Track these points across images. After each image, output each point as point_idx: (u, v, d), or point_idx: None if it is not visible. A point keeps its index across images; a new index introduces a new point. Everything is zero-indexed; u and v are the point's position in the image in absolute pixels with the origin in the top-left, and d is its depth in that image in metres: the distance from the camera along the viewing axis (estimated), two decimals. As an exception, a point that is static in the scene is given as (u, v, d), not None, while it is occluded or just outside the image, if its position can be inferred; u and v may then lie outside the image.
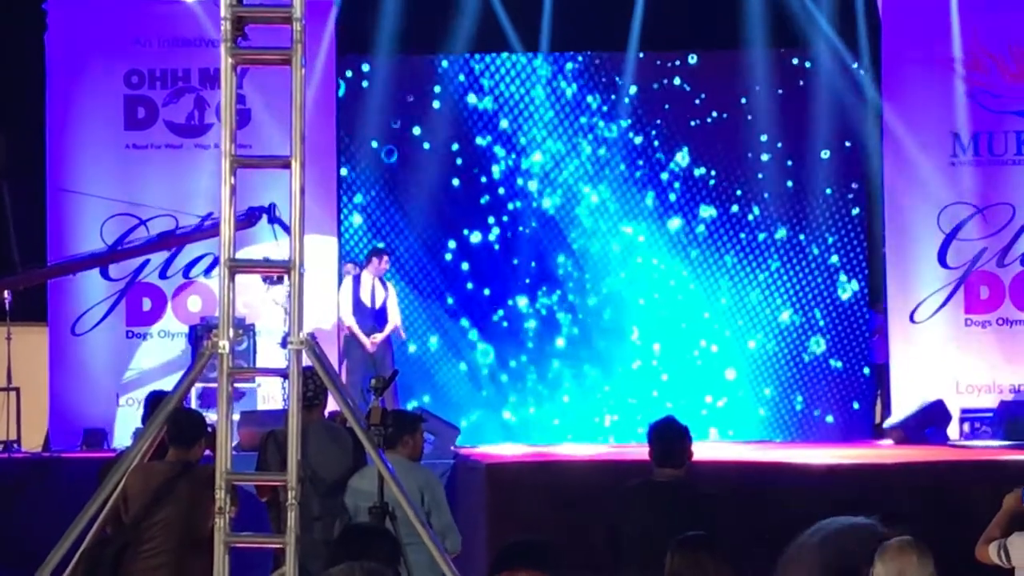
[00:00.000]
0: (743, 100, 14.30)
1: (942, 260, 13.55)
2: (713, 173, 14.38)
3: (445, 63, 14.41)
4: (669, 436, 6.96)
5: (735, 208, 14.35)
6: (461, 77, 14.42)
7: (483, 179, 14.45)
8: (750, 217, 14.34)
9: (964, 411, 12.97)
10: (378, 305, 12.90)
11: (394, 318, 13.08)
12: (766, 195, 14.33)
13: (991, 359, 13.38)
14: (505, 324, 14.46)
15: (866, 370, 14.26)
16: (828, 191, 14.27)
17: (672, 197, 14.41)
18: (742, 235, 14.36)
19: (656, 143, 14.42)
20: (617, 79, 14.43)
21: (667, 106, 14.42)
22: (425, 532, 5.62)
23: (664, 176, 14.42)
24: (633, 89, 14.40)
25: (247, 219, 12.09)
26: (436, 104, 14.40)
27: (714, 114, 14.36)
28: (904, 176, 13.65)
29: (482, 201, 14.45)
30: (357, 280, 13.01)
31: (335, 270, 13.63)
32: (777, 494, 9.24)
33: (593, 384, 14.40)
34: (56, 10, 13.45)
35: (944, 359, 13.42)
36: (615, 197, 14.44)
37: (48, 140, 13.42)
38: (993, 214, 13.51)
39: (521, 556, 4.68)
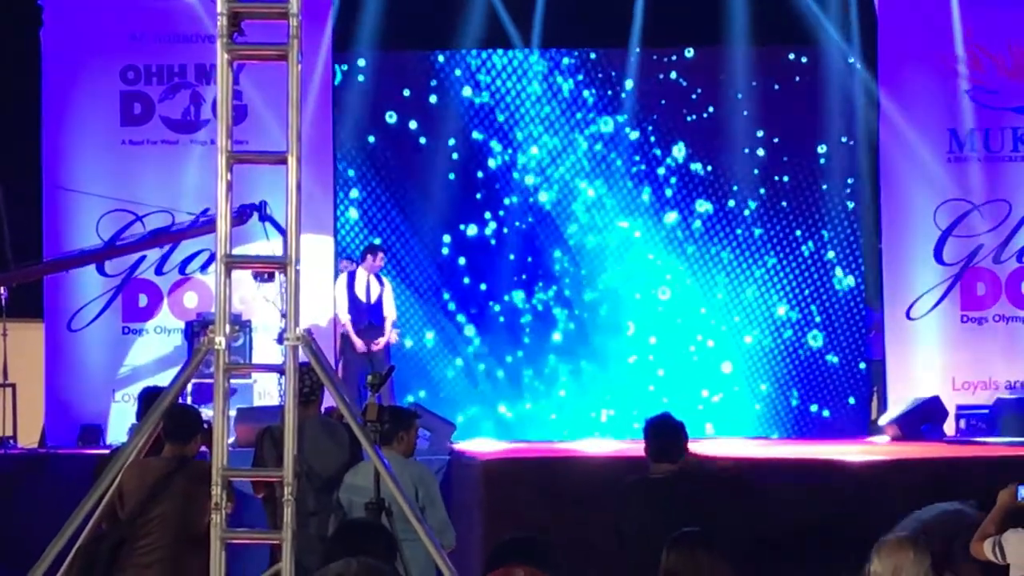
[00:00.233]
0: (739, 95, 14.29)
1: (938, 256, 13.55)
2: (709, 168, 14.38)
3: (442, 58, 14.41)
4: (665, 432, 6.98)
5: (731, 203, 14.36)
6: (458, 72, 14.42)
7: (479, 174, 14.45)
8: (746, 212, 14.35)
9: (960, 408, 12.97)
10: (373, 300, 12.89)
11: (390, 315, 13.07)
12: (762, 191, 14.34)
13: (987, 356, 13.39)
14: (502, 319, 14.47)
15: (862, 365, 14.26)
16: (824, 187, 14.28)
17: (668, 192, 14.42)
18: (738, 231, 14.36)
19: (652, 138, 14.42)
20: (613, 74, 14.44)
21: (663, 101, 14.42)
22: (421, 528, 5.62)
23: (661, 171, 14.42)
24: (629, 84, 14.40)
25: (238, 217, 12.06)
26: (433, 99, 14.39)
27: (711, 109, 14.36)
28: (901, 172, 13.66)
29: (478, 196, 14.45)
30: (352, 276, 12.99)
31: (331, 267, 13.62)
32: (774, 490, 9.24)
33: (589, 379, 14.41)
34: (52, 5, 13.42)
35: (940, 355, 13.43)
36: (611, 192, 14.44)
37: (44, 136, 13.40)
38: (990, 210, 13.51)
39: (517, 552, 4.68)
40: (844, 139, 14.22)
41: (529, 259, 14.48)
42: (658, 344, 14.36)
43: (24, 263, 12.85)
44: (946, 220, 13.53)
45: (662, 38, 14.28)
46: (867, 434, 13.69)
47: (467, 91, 14.42)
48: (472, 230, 14.44)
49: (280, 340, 11.28)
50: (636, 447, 7.38)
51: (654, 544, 5.56)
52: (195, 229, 13.05)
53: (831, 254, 14.27)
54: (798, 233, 14.31)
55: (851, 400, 14.26)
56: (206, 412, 7.67)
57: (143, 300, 13.48)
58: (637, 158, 14.44)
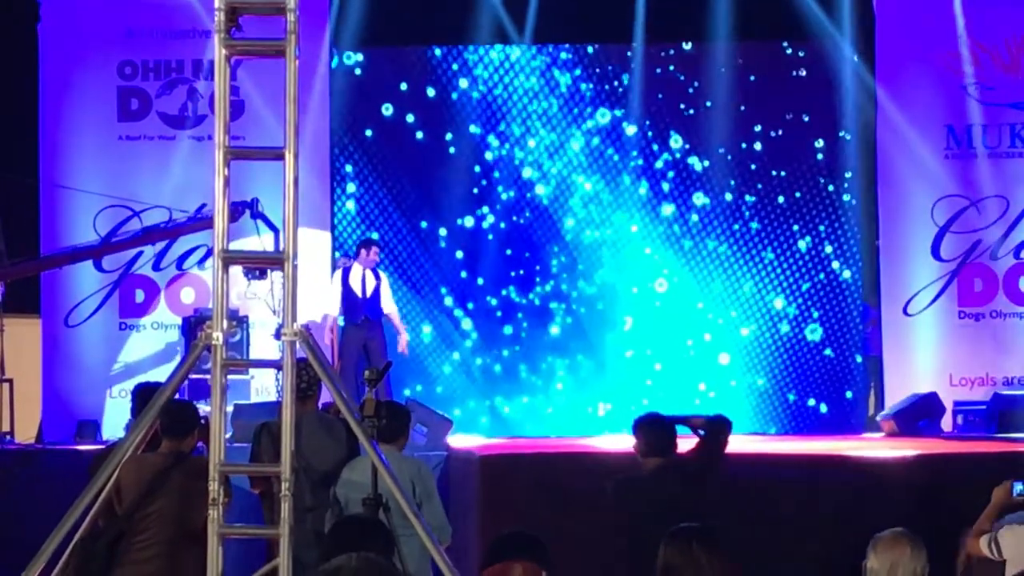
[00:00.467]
0: (737, 89, 14.30)
1: (936, 253, 13.56)
2: (706, 163, 14.38)
3: (439, 52, 14.41)
4: (653, 428, 7.01)
5: (728, 197, 14.36)
6: (455, 67, 14.42)
7: (476, 168, 14.44)
8: (743, 207, 14.35)
9: (957, 403, 12.98)
10: (369, 294, 12.86)
11: (391, 310, 13.07)
12: (759, 185, 14.34)
13: (984, 352, 13.40)
14: (499, 314, 14.46)
15: (858, 358, 14.27)
16: (821, 180, 14.28)
17: (665, 187, 14.42)
18: (736, 226, 14.36)
19: (650, 133, 14.42)
20: (611, 69, 14.43)
21: (661, 96, 14.42)
22: (418, 523, 5.61)
23: (658, 165, 14.41)
24: (627, 79, 14.40)
25: (230, 214, 12.05)
26: (431, 92, 14.39)
27: (708, 104, 14.36)
28: (898, 168, 13.67)
29: (475, 191, 14.44)
30: (347, 272, 12.98)
31: (328, 264, 13.62)
32: (770, 486, 9.24)
33: (587, 374, 14.41)
34: (49, 1, 13.42)
35: (938, 352, 13.44)
36: (608, 187, 14.44)
37: (41, 131, 13.40)
38: (987, 207, 13.53)
39: (514, 548, 4.68)
40: (842, 133, 14.22)
41: (526, 254, 14.48)
42: (655, 339, 14.35)
43: (19, 259, 12.85)
44: (944, 216, 13.54)
45: (660, 32, 14.27)
46: (864, 430, 13.70)
47: (464, 85, 14.41)
48: (469, 224, 14.43)
49: (277, 336, 11.29)
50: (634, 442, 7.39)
51: (645, 539, 5.57)
52: (189, 226, 13.06)
53: (828, 248, 14.27)
54: (795, 228, 14.31)
55: (848, 394, 14.27)
56: (203, 408, 7.67)
57: (140, 296, 13.49)
58: (635, 153, 14.43)
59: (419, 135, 14.37)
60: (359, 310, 12.85)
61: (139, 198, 13.34)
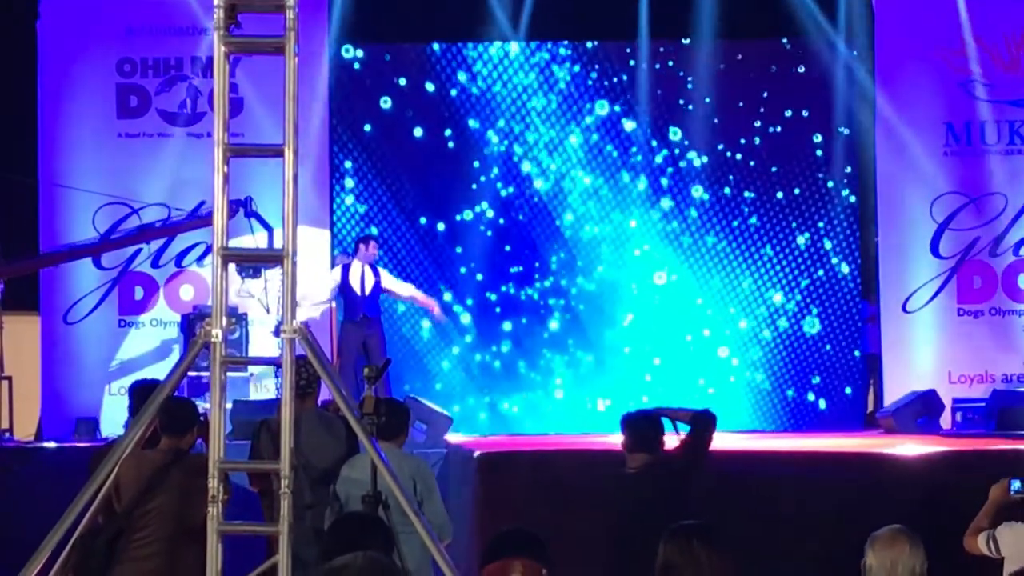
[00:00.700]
0: (736, 85, 14.30)
1: (935, 250, 13.57)
2: (705, 159, 14.38)
3: (437, 47, 14.40)
4: (638, 423, 7.03)
5: (727, 192, 14.36)
6: (454, 62, 14.41)
7: (476, 164, 14.44)
8: (742, 203, 14.35)
9: (956, 401, 12.99)
10: (367, 292, 12.85)
11: (406, 290, 13.16)
12: (758, 181, 14.34)
13: (983, 349, 13.41)
14: (498, 310, 14.46)
15: (856, 353, 14.28)
16: (820, 175, 14.28)
17: (664, 182, 14.42)
18: (735, 222, 14.37)
19: (649, 129, 14.41)
20: (610, 65, 14.43)
21: (660, 91, 14.41)
22: (418, 521, 5.62)
23: (657, 160, 14.41)
24: (626, 75, 14.40)
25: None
26: (430, 87, 14.39)
27: (707, 99, 14.36)
28: (897, 165, 13.68)
29: (474, 187, 14.44)
30: (347, 269, 12.97)
31: (327, 262, 13.62)
32: (769, 483, 9.24)
33: (586, 369, 14.41)
34: (48, -2, 13.44)
35: (937, 349, 13.44)
36: (607, 183, 14.44)
37: (40, 128, 13.40)
38: (986, 204, 13.54)
39: (514, 545, 4.68)
40: (840, 128, 14.23)
41: (525, 250, 14.48)
42: (654, 335, 14.35)
43: (17, 257, 12.85)
44: (943, 213, 13.55)
45: (659, 28, 14.27)
46: (863, 428, 13.71)
47: (463, 80, 14.41)
48: (468, 220, 14.43)
49: (276, 333, 11.31)
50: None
51: (631, 537, 5.58)
52: (186, 223, 13.07)
53: (828, 244, 14.28)
54: (794, 224, 14.32)
55: (848, 390, 14.28)
56: (202, 405, 7.67)
57: (139, 293, 13.49)
58: (634, 149, 14.43)
59: (418, 131, 14.37)
60: (358, 308, 12.85)
61: (138, 195, 13.35)
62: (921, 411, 12.69)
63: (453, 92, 14.39)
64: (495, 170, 14.45)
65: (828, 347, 14.28)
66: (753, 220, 14.36)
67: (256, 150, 6.40)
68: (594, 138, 14.45)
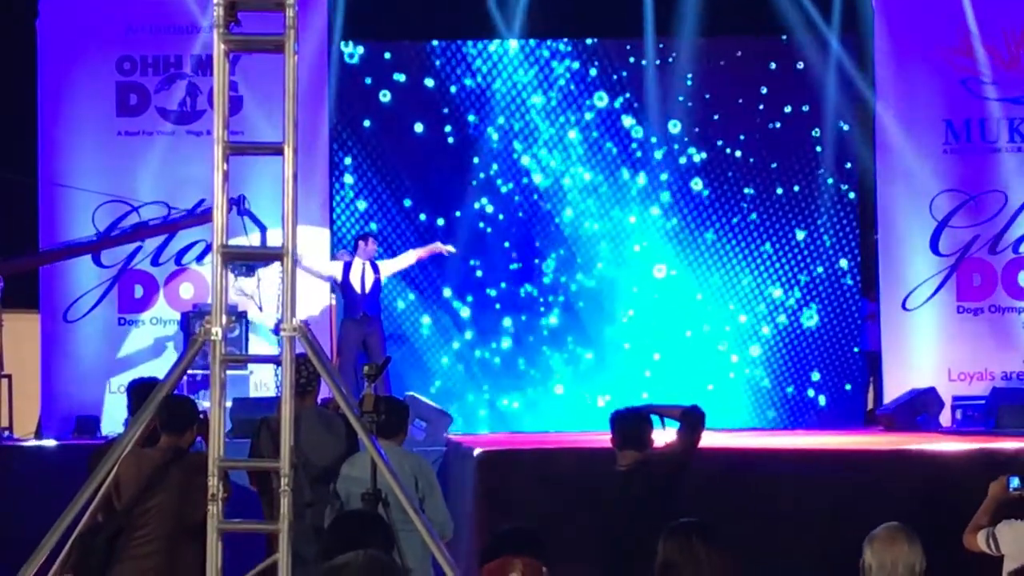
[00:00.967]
0: (736, 81, 14.29)
1: (934, 247, 13.57)
2: (704, 155, 14.38)
3: (436, 43, 14.40)
4: (627, 421, 7.03)
5: (727, 189, 14.36)
6: (453, 60, 14.41)
7: (475, 160, 14.44)
8: (742, 199, 14.36)
9: (956, 398, 13.00)
10: (368, 290, 12.84)
11: (406, 259, 13.15)
12: (758, 177, 14.34)
13: (983, 346, 13.41)
14: (497, 306, 14.47)
15: (855, 349, 14.28)
16: (820, 173, 14.29)
17: (664, 178, 14.42)
18: (735, 219, 14.37)
19: (648, 125, 14.41)
20: (609, 62, 14.43)
21: (660, 88, 14.40)
22: (418, 518, 5.62)
23: (657, 156, 14.41)
24: (625, 71, 14.39)
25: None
26: (429, 83, 14.38)
27: (707, 95, 14.36)
28: (896, 163, 13.68)
29: (473, 183, 14.44)
30: (347, 267, 12.96)
31: (327, 257, 13.61)
32: (768, 480, 9.24)
33: (585, 366, 14.41)
34: (48, -4, 13.44)
35: (936, 346, 13.44)
36: (606, 179, 14.45)
37: (40, 126, 13.40)
38: (985, 201, 13.54)
39: (514, 543, 4.69)
40: (840, 123, 14.23)
41: (525, 247, 14.49)
42: (654, 330, 14.36)
43: (15, 254, 12.85)
44: (942, 210, 13.55)
45: (659, 25, 14.26)
46: (863, 425, 13.71)
47: (463, 77, 14.41)
48: (467, 217, 14.42)
49: (276, 331, 11.30)
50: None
51: (629, 533, 5.59)
52: (185, 221, 13.07)
53: (827, 241, 14.28)
54: (794, 220, 14.32)
55: (847, 387, 14.29)
56: (201, 403, 7.68)
57: (139, 291, 13.49)
58: (633, 145, 14.44)
59: (418, 128, 14.37)
60: (358, 306, 12.84)
61: (137, 193, 13.35)
62: (921, 408, 12.70)
63: (453, 89, 14.40)
64: (494, 167, 14.45)
65: (827, 343, 14.28)
66: (753, 216, 14.36)
67: (256, 148, 6.41)
68: (594, 135, 14.46)
